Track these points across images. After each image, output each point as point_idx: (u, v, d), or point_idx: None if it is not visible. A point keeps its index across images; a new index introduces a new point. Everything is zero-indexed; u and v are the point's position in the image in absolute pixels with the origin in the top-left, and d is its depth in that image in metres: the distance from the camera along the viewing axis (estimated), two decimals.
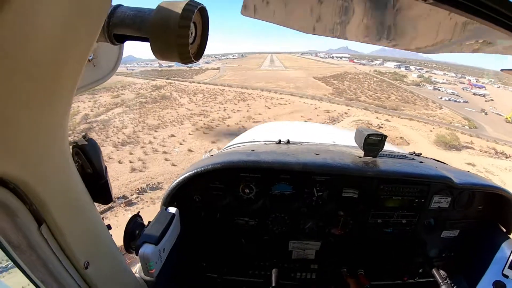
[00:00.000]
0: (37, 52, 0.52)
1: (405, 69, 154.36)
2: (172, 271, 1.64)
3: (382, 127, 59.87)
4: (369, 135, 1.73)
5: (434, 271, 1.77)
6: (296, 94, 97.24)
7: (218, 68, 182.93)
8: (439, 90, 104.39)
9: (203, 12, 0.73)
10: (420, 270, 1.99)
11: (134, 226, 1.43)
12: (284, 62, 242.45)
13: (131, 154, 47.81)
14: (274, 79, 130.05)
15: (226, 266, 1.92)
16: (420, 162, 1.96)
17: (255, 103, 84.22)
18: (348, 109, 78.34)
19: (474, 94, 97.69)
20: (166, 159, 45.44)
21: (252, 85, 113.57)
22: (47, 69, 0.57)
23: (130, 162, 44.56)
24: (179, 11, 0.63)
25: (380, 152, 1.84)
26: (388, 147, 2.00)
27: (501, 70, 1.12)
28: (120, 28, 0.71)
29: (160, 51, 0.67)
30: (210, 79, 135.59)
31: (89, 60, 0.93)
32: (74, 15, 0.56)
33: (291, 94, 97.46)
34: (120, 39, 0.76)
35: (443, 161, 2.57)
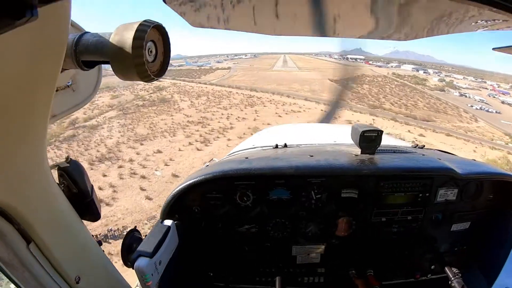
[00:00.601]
0: (4, 87, 0.53)
1: (424, 72, 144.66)
2: (175, 282, 1.66)
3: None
4: (364, 132, 1.65)
5: (446, 268, 1.70)
6: (312, 99, 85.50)
7: (229, 68, 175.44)
8: (466, 96, 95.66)
9: (161, 29, 0.74)
10: (432, 267, 1.88)
11: (131, 240, 1.43)
12: (297, 62, 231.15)
13: (105, 176, 37.45)
14: (287, 81, 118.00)
15: (232, 275, 1.89)
16: (422, 154, 1.86)
17: (264, 109, 72.89)
18: (373, 119, 65.99)
19: (503, 102, 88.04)
20: (142, 189, 34.98)
21: (262, 87, 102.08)
22: (16, 101, 0.59)
23: (100, 189, 34.17)
24: (133, 32, 0.64)
25: (379, 148, 1.75)
26: (389, 141, 1.96)
27: (493, 49, 1.01)
28: (85, 54, 0.73)
29: (120, 72, 0.68)
30: (218, 80, 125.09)
31: (68, 86, 0.96)
32: (35, 50, 0.58)
33: (305, 98, 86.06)
34: (88, 65, 0.77)
35: (449, 152, 2.44)
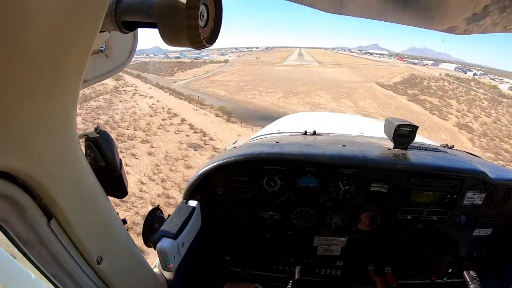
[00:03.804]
0: (36, 43, 0.47)
1: (475, 75, 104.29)
2: (193, 265, 1.58)
3: None
4: (399, 126, 1.51)
5: (465, 272, 1.56)
6: None
7: (226, 61, 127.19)
8: None
9: None
10: (450, 270, 1.72)
11: (153, 219, 1.29)
12: (315, 56, 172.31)
13: None
14: (304, 84, 60.11)
15: (250, 260, 1.76)
16: (453, 155, 1.73)
17: None
18: None
19: None
20: None
21: (248, 100, 45.57)
22: (48, 60, 0.51)
23: None
24: None
25: (411, 144, 1.62)
26: (418, 139, 1.76)
27: None
28: (128, 15, 0.62)
29: (169, 36, 0.58)
30: (190, 80, 69.03)
31: (101, 51, 0.86)
32: (72, 4, 0.50)
33: None
34: (129, 27, 0.66)
35: (476, 155, 2.26)
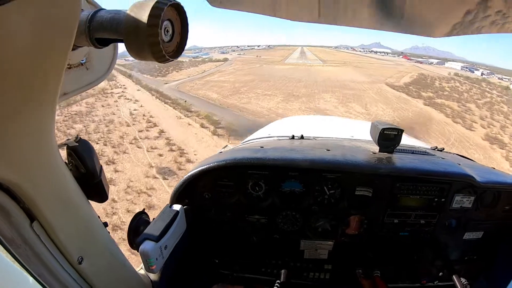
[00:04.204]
0: (10, 62, 0.49)
1: (483, 74, 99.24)
2: (179, 267, 1.56)
3: None
4: (384, 130, 1.51)
5: (454, 276, 1.54)
6: None
7: (225, 60, 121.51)
8: None
9: (179, 8, 0.66)
10: (440, 274, 1.72)
11: (138, 222, 1.32)
12: (318, 54, 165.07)
13: None
14: (307, 86, 53.68)
15: (238, 263, 1.76)
16: (442, 158, 1.70)
17: None
18: None
19: None
20: None
21: (242, 105, 38.90)
22: (23, 78, 0.54)
23: None
24: (149, 9, 0.58)
25: (398, 147, 1.60)
26: (408, 141, 1.77)
27: None
28: (100, 32, 0.66)
29: (134, 51, 0.62)
30: (183, 80, 63.08)
31: (81, 64, 0.89)
32: (44, 24, 0.52)
33: None
34: (102, 43, 0.70)
35: (468, 157, 2.24)
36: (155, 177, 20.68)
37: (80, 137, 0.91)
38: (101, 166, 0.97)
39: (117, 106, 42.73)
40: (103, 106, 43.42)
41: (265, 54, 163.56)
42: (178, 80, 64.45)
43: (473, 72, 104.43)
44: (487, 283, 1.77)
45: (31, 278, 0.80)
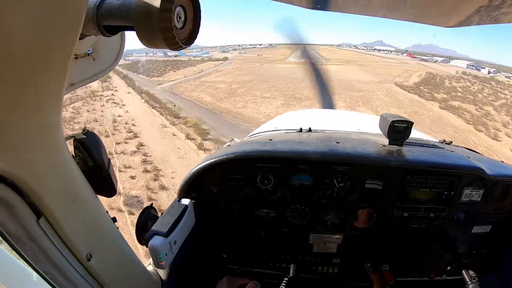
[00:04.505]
0: (17, 52, 0.47)
1: (489, 73, 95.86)
2: (188, 262, 1.55)
3: None
4: (393, 122, 1.48)
5: (463, 271, 1.53)
6: None
7: (225, 59, 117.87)
8: None
9: None
10: (449, 268, 1.70)
11: (147, 218, 1.28)
12: (321, 52, 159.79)
13: None
14: (309, 85, 48.57)
15: (246, 258, 1.73)
16: (451, 151, 1.68)
17: None
18: None
19: None
20: None
21: (237, 110, 34.05)
22: (30, 68, 0.51)
23: None
24: None
25: (407, 140, 1.58)
26: (416, 134, 1.73)
27: None
28: (109, 19, 0.63)
29: (145, 38, 0.59)
30: (178, 81, 58.85)
31: (88, 54, 0.86)
32: (50, 12, 0.50)
33: None
34: (111, 31, 0.67)
35: (475, 150, 2.22)
36: (120, 210, 16.32)
37: (87, 129, 0.88)
38: (109, 159, 0.93)
39: (102, 111, 38.63)
40: (88, 111, 39.36)
41: (267, 52, 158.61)
42: (174, 81, 60.24)
43: (480, 71, 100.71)
44: (495, 277, 1.72)
45: (36, 275, 0.77)
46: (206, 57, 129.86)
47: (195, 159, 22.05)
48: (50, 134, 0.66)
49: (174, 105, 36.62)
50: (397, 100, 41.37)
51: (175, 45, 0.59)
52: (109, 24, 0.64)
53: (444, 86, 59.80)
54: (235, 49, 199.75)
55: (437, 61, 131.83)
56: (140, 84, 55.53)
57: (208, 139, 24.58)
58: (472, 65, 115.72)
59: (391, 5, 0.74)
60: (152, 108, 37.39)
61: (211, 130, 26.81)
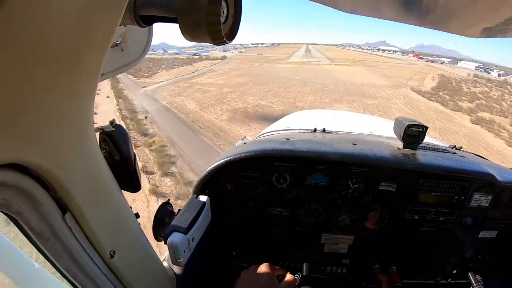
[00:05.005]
0: (56, 36, 0.44)
1: (499, 75, 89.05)
2: (202, 260, 1.55)
3: None
4: (409, 126, 1.49)
5: (470, 274, 1.55)
6: None
7: (223, 58, 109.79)
8: None
9: None
10: (454, 271, 1.72)
11: (164, 214, 1.28)
12: (324, 52, 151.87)
13: None
14: (313, 89, 41.26)
15: (257, 256, 1.67)
16: (462, 156, 1.70)
17: None
18: None
19: None
20: None
21: (221, 125, 26.23)
22: (68, 53, 0.49)
23: None
24: None
25: (420, 145, 1.61)
26: (427, 139, 1.75)
27: None
28: (147, 8, 0.59)
29: (189, 31, 0.55)
30: (167, 82, 51.83)
31: (116, 45, 0.84)
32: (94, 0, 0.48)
33: None
34: (147, 21, 0.63)
35: (484, 157, 2.22)
36: None
37: (116, 122, 0.84)
38: (135, 154, 0.90)
39: None
40: None
41: (268, 51, 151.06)
42: (161, 82, 52.92)
43: (489, 73, 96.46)
44: (500, 282, 1.72)
45: (57, 276, 0.73)
46: (204, 55, 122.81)
47: (143, 214, 14.71)
48: (82, 124, 0.62)
49: (146, 117, 29.29)
50: (420, 111, 33.76)
51: (220, 40, 0.56)
52: (147, 14, 0.60)
53: (463, 91, 52.00)
54: (236, 48, 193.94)
55: (444, 62, 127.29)
56: (123, 86, 48.40)
57: (170, 173, 17.00)
58: (481, 67, 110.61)
59: (407, 11, 0.70)
60: (122, 119, 30.13)
61: (178, 157, 19.21)
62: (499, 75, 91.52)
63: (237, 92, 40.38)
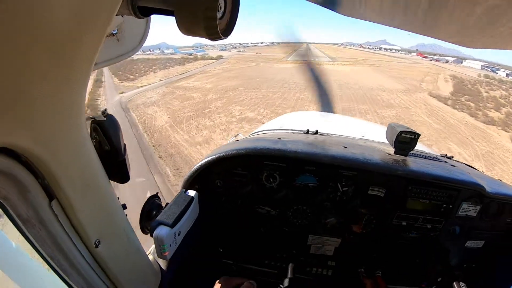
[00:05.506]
0: (52, 24, 0.44)
1: (508, 75, 79.99)
2: (187, 254, 1.56)
3: None
4: (401, 132, 1.51)
5: (455, 283, 1.52)
6: None
7: (219, 58, 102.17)
8: None
9: None
10: (439, 279, 1.72)
11: (151, 206, 1.27)
12: (325, 51, 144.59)
13: None
14: (314, 94, 33.29)
15: (243, 254, 1.74)
16: (452, 165, 1.71)
17: None
18: None
19: None
20: None
21: (188, 153, 18.97)
22: (63, 41, 0.48)
23: None
24: None
25: (411, 152, 1.62)
26: (418, 146, 1.78)
27: None
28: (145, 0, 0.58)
29: (185, 25, 0.54)
30: (149, 86, 44.69)
31: (113, 35, 0.82)
32: None
33: None
34: (145, 12, 0.62)
35: (475, 167, 2.23)
36: None
37: (107, 112, 0.82)
38: (125, 144, 0.88)
39: None
40: None
41: (267, 51, 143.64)
42: (143, 87, 46.04)
43: (497, 73, 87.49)
44: None
45: (36, 261, 0.73)
46: (200, 55, 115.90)
47: None
48: (74, 111, 0.61)
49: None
50: (448, 125, 26.55)
51: (216, 35, 0.55)
52: (144, 5, 0.58)
53: (483, 96, 44.59)
54: (235, 47, 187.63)
55: (448, 61, 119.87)
56: (101, 92, 41.58)
57: None
58: (487, 67, 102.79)
59: (406, 19, 0.68)
60: None
61: None
62: (507, 75, 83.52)
63: (223, 100, 33.23)
